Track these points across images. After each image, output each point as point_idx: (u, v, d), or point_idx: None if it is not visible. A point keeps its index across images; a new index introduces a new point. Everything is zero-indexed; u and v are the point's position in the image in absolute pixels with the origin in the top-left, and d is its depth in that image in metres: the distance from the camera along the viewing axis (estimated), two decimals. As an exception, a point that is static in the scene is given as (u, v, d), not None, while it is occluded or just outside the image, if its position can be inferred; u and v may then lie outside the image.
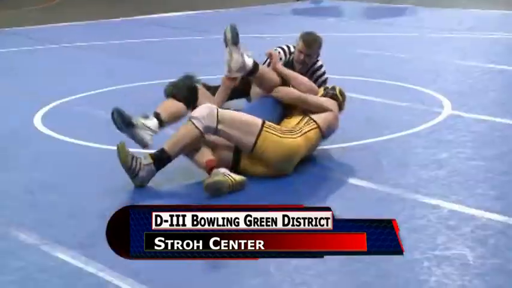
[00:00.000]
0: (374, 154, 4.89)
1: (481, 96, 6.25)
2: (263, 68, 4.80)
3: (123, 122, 4.48)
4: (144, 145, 4.54)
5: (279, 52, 5.04)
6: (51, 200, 4.24)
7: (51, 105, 6.25)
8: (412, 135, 5.26)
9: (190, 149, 4.38)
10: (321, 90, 4.84)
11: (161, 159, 4.35)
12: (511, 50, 8.35)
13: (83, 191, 4.39)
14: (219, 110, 4.40)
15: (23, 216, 4.01)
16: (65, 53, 8.82)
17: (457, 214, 3.95)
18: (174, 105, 4.69)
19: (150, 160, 4.34)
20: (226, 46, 4.67)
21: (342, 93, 4.85)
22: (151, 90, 6.36)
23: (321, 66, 5.16)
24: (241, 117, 4.42)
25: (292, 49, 5.10)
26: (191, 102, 4.71)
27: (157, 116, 4.62)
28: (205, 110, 4.37)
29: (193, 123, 4.33)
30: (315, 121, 4.60)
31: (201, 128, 4.33)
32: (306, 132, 4.54)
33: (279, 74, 4.78)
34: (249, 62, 4.72)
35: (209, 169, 4.32)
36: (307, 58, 5.01)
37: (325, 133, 4.67)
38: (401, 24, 10.41)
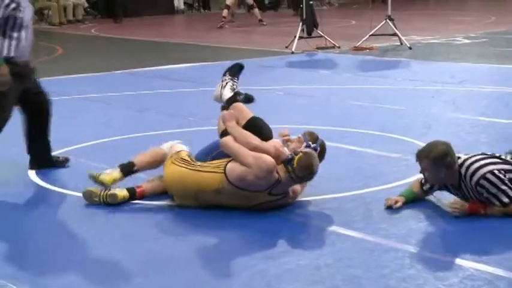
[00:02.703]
0: (365, 204, 4.90)
1: (472, 148, 6.26)
2: (236, 107, 5.12)
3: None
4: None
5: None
6: (36, 248, 4.22)
7: (47, 156, 6.24)
8: (403, 186, 5.24)
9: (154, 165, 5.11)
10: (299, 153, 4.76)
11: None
12: (500, 102, 8.40)
13: (76, 240, 4.39)
14: (176, 144, 5.11)
15: (5, 266, 3.98)
16: (64, 105, 8.84)
17: (446, 264, 3.95)
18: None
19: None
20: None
21: (301, 163, 4.62)
22: (149, 141, 6.38)
23: None
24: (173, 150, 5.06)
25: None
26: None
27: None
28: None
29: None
30: (224, 167, 4.69)
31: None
32: (205, 171, 4.74)
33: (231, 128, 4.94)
34: (226, 96, 5.15)
35: (139, 194, 4.99)
36: None
37: (234, 182, 4.65)
38: (395, 77, 10.49)
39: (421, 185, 4.88)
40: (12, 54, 5.33)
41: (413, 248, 4.17)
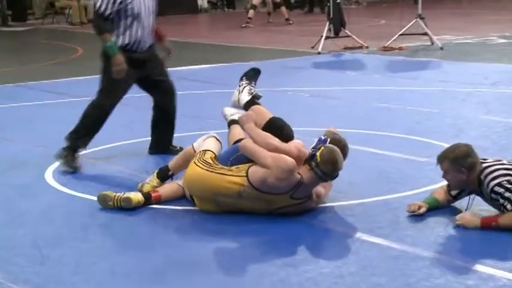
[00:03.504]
0: (391, 210, 4.85)
1: (504, 152, 6.20)
2: (254, 109, 5.12)
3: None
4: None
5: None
6: (58, 256, 4.24)
7: (65, 159, 6.28)
8: (432, 191, 5.20)
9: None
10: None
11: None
12: (536, 104, 8.31)
13: (90, 246, 4.40)
14: (209, 139, 5.13)
15: (29, 273, 4.01)
16: (83, 107, 8.90)
17: (477, 273, 3.90)
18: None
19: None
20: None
21: (324, 158, 4.60)
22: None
23: None
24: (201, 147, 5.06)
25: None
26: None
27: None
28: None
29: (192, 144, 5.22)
30: (247, 170, 4.68)
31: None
32: (227, 174, 4.72)
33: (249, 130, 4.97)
34: (244, 100, 5.19)
35: (154, 199, 5.00)
36: None
37: (256, 186, 4.63)
38: (426, 78, 10.42)
39: (448, 191, 4.81)
40: (126, 42, 5.88)
41: (442, 256, 4.13)
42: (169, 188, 5.11)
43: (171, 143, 6.36)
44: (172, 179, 5.22)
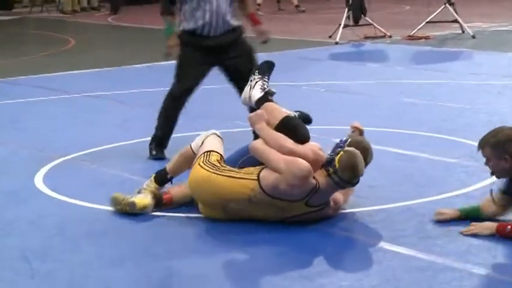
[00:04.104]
0: (417, 217, 4.85)
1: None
2: (266, 107, 5.10)
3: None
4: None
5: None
6: (48, 269, 4.26)
7: (57, 161, 6.32)
8: (463, 196, 5.22)
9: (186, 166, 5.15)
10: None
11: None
12: None
13: (84, 258, 4.42)
14: (210, 137, 5.12)
15: None
16: (76, 104, 8.96)
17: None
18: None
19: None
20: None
21: (343, 163, 4.59)
22: (171, 144, 6.42)
23: None
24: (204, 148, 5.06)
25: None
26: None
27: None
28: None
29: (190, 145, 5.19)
30: (258, 174, 4.69)
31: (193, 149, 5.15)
32: (236, 177, 4.75)
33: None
34: (256, 96, 5.19)
35: (166, 201, 5.08)
36: None
37: (267, 191, 4.65)
38: (456, 71, 10.42)
39: (492, 198, 4.69)
40: (192, 27, 6.22)
41: (474, 267, 4.13)
42: (180, 190, 5.12)
43: None
44: (172, 182, 5.25)
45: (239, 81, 6.24)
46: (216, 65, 6.40)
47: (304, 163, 4.61)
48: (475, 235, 4.42)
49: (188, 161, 5.12)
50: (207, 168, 4.87)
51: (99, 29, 17.70)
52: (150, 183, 5.22)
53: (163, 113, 6.47)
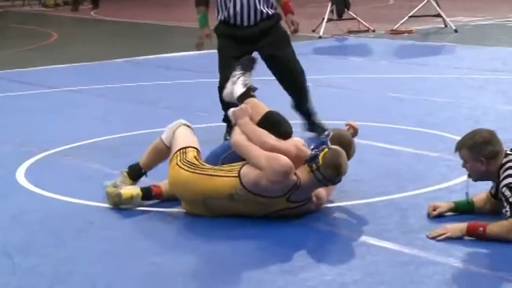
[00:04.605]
0: (400, 211, 4.87)
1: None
2: (249, 103, 5.11)
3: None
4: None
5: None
6: (31, 265, 4.25)
7: (38, 156, 6.31)
8: (445, 190, 5.24)
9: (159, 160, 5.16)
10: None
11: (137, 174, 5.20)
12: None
13: (67, 253, 4.40)
14: (180, 129, 5.08)
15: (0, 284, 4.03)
16: (55, 98, 8.94)
17: (493, 280, 3.92)
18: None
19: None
20: None
21: (326, 161, 4.58)
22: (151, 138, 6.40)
23: None
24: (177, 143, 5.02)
25: None
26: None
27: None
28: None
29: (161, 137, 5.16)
30: (239, 171, 4.68)
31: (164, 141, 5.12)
32: (216, 175, 4.73)
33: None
34: (238, 92, 5.21)
35: (155, 194, 5.05)
36: None
37: (248, 187, 4.64)
38: (439, 65, 10.46)
39: (490, 192, 4.69)
40: (224, 16, 6.39)
41: (457, 261, 4.14)
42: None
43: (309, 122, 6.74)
44: (146, 176, 5.22)
45: (276, 67, 6.50)
46: (253, 52, 6.45)
47: (285, 159, 4.61)
48: (448, 238, 4.37)
49: (160, 154, 5.14)
50: (187, 168, 4.85)
51: (82, 23, 17.66)
52: (124, 179, 5.18)
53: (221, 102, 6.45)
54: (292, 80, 6.62)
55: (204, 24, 6.58)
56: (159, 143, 5.16)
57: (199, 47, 6.67)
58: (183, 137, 5.07)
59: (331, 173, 4.63)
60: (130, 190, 5.02)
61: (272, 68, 6.61)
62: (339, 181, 4.74)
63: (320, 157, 4.63)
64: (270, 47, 6.49)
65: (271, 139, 4.82)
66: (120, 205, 5.00)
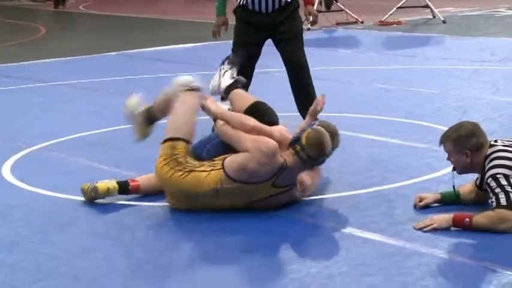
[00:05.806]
0: (386, 203, 4.86)
1: (512, 135, 6.22)
2: (235, 94, 5.16)
3: None
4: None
5: None
6: (15, 260, 4.22)
7: (25, 152, 6.27)
8: (432, 181, 5.23)
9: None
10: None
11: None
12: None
13: (52, 248, 4.37)
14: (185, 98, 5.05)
15: (-18, 279, 4.00)
16: (45, 93, 8.90)
17: (480, 271, 3.91)
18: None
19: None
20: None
21: (310, 141, 4.61)
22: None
23: None
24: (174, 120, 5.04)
25: None
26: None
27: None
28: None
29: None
30: (222, 162, 4.68)
31: None
32: (201, 171, 4.71)
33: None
34: (225, 84, 5.25)
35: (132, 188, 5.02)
36: None
37: (233, 176, 4.64)
38: (427, 56, 10.46)
39: (475, 182, 4.69)
40: (243, 2, 6.33)
41: (443, 252, 4.13)
42: (148, 178, 5.07)
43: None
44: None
45: (281, 56, 6.53)
46: (268, 38, 6.49)
47: (270, 141, 4.63)
48: (434, 229, 4.36)
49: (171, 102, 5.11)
50: (172, 166, 4.79)
51: (71, 17, 17.60)
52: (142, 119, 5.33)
53: None
54: (295, 74, 6.62)
55: (221, 12, 6.52)
56: (166, 91, 5.18)
57: (214, 35, 6.62)
58: (182, 115, 5.03)
59: (315, 152, 4.63)
60: (107, 183, 4.98)
61: (282, 59, 6.60)
62: (323, 161, 4.74)
63: (303, 137, 4.63)
64: (282, 37, 6.44)
65: (250, 121, 4.86)
66: (96, 199, 4.96)
